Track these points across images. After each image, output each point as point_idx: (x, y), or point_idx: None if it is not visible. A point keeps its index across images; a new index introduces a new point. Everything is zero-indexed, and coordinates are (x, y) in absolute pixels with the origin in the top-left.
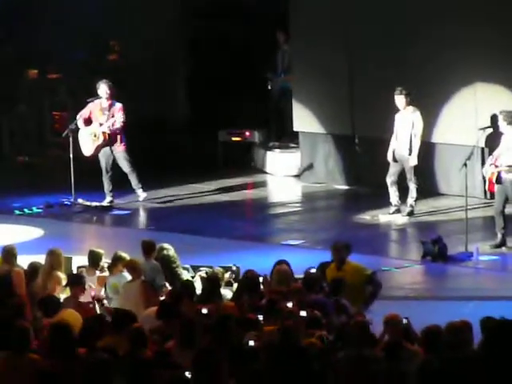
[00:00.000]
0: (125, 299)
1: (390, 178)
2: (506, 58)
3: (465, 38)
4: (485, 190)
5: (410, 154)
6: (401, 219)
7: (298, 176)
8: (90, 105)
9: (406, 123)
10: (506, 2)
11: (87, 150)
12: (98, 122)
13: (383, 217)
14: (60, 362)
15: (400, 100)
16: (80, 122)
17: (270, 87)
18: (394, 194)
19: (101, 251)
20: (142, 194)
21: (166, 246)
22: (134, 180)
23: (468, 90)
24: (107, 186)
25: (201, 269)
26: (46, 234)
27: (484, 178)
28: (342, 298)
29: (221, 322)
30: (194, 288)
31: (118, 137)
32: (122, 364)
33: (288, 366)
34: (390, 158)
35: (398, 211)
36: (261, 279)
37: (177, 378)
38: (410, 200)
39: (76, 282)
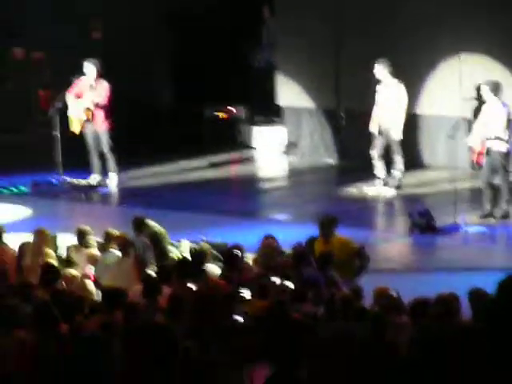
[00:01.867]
0: (116, 276)
1: (376, 151)
2: (490, 29)
3: (449, 9)
4: (472, 162)
5: (394, 127)
6: (388, 192)
7: (283, 151)
8: (78, 83)
9: (391, 96)
10: None
11: (75, 127)
12: (84, 100)
13: (370, 190)
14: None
15: (379, 70)
16: (70, 100)
17: (254, 63)
18: (380, 167)
19: (88, 228)
20: (113, 179)
21: (153, 223)
22: (111, 163)
23: (452, 61)
24: (95, 164)
25: (187, 244)
26: (33, 212)
27: (470, 149)
28: (331, 271)
29: (207, 298)
30: (188, 265)
31: (102, 115)
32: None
33: (283, 339)
34: (374, 130)
35: (384, 184)
36: (249, 255)
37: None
38: (397, 173)
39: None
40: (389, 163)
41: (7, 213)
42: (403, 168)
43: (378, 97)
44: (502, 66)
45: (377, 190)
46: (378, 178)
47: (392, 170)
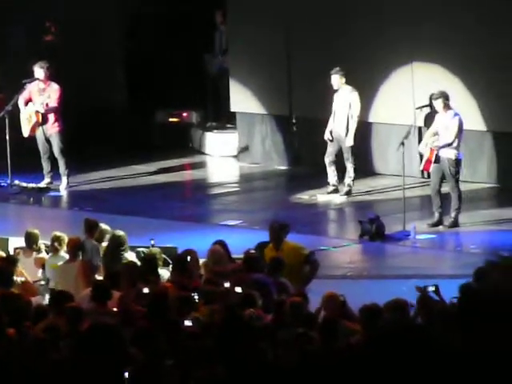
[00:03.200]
0: (64, 279)
1: (328, 158)
2: (442, 38)
3: (402, 17)
4: (421, 170)
5: (346, 134)
6: (339, 199)
7: (235, 156)
8: (28, 86)
9: (344, 103)
10: None
11: (24, 130)
12: (33, 103)
13: (321, 196)
14: None
15: (335, 79)
16: (21, 104)
17: (207, 68)
18: (332, 174)
19: (37, 232)
20: (64, 182)
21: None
22: (61, 166)
23: (405, 69)
24: (46, 167)
25: (137, 249)
26: None
27: (421, 156)
28: (281, 277)
29: (158, 302)
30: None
31: (52, 117)
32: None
33: (235, 344)
34: (327, 137)
35: (335, 191)
36: (201, 260)
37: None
38: (348, 180)
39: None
40: (341, 170)
41: None
42: (354, 175)
43: (333, 104)
44: (452, 76)
45: (328, 196)
46: (330, 185)
47: (344, 178)
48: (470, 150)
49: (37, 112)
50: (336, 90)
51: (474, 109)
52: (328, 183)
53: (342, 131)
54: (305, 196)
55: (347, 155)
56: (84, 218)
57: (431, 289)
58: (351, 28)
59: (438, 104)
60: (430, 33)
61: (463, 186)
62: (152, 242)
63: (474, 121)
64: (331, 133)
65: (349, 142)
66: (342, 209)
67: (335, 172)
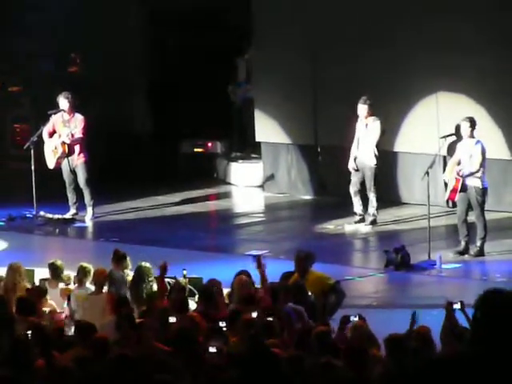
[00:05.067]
0: (90, 311)
1: (353, 188)
2: (467, 66)
3: (427, 46)
4: (447, 199)
5: (369, 162)
6: (364, 228)
7: (260, 186)
8: (52, 118)
9: (368, 132)
10: (463, 9)
11: (50, 162)
12: (59, 134)
13: (348, 226)
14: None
15: (363, 109)
16: (45, 135)
17: (232, 97)
18: (357, 203)
19: (61, 263)
20: (89, 213)
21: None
22: (86, 196)
23: (430, 98)
24: (71, 198)
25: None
26: (8, 246)
27: (445, 185)
28: (303, 304)
29: (186, 333)
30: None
31: (78, 148)
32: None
33: (260, 373)
34: (351, 167)
35: (362, 220)
36: (225, 290)
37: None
38: (372, 209)
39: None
40: (367, 200)
41: None
42: (376, 204)
43: (356, 133)
44: (477, 104)
45: (354, 226)
46: (356, 214)
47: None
48: (495, 178)
49: (63, 143)
50: (358, 118)
51: (498, 137)
52: (354, 213)
53: (366, 160)
54: (330, 226)
55: (369, 185)
56: (113, 248)
57: (457, 306)
58: (376, 56)
59: (465, 127)
60: (455, 62)
61: (488, 215)
62: (184, 272)
63: (498, 149)
64: (355, 161)
65: (371, 163)
66: (367, 238)
67: (361, 201)
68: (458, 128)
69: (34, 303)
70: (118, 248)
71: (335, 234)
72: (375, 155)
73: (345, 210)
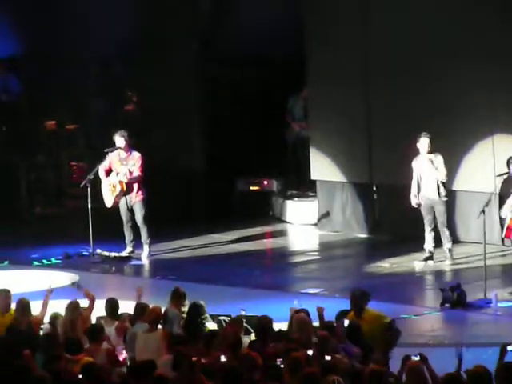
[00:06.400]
0: (145, 349)
1: (430, 225)
2: None
3: (481, 84)
4: (502, 238)
5: (439, 196)
6: (445, 265)
7: (315, 225)
8: (109, 156)
9: (431, 167)
10: None
11: (108, 201)
12: (116, 173)
13: (418, 263)
14: None
15: (425, 143)
16: (102, 174)
17: (287, 135)
18: (431, 240)
19: (117, 300)
20: (146, 251)
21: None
22: (143, 234)
23: (485, 136)
24: (128, 236)
25: (219, 318)
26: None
27: (501, 223)
28: (358, 344)
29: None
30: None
31: (136, 186)
32: None
33: None
34: (415, 202)
35: (430, 258)
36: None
37: None
38: (450, 244)
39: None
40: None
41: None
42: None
43: (417, 170)
44: None
45: (423, 263)
46: (426, 252)
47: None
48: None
49: (121, 182)
50: (416, 156)
51: None
52: (424, 249)
53: (435, 195)
54: (385, 264)
55: (443, 219)
56: (173, 286)
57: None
58: (431, 93)
59: None
60: (510, 99)
61: None
62: (242, 312)
63: None
64: (418, 197)
65: (443, 196)
66: (423, 277)
67: (433, 238)
68: (508, 163)
69: (76, 340)
70: (178, 286)
71: (390, 272)
72: (445, 189)
73: (399, 248)
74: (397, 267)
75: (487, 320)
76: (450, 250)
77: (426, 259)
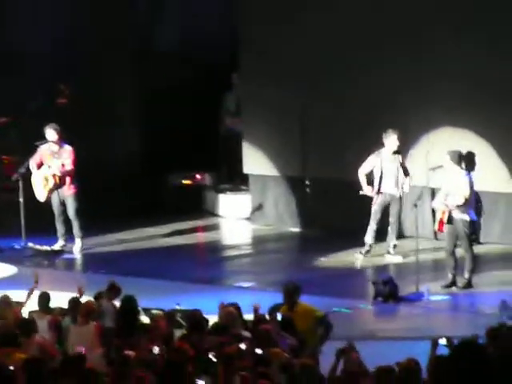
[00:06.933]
0: (77, 342)
1: (377, 220)
2: (457, 101)
3: (411, 82)
4: (434, 231)
5: (398, 193)
6: (395, 258)
7: (248, 218)
8: (40, 149)
9: (397, 165)
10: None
11: (40, 194)
12: (48, 166)
13: (357, 256)
14: None
15: (394, 139)
16: (32, 167)
17: (219, 130)
18: (373, 234)
19: (49, 294)
20: (78, 244)
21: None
22: (76, 228)
23: (419, 133)
24: (60, 229)
25: (152, 311)
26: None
27: (434, 216)
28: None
29: (175, 365)
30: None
31: (68, 179)
32: None
33: None
34: (369, 192)
35: (369, 251)
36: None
37: None
38: (396, 240)
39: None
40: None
41: None
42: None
43: (378, 165)
44: (470, 134)
45: (363, 256)
46: (366, 245)
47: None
48: (484, 211)
49: (54, 175)
50: (375, 151)
51: (488, 170)
52: (364, 242)
53: (394, 192)
54: (319, 258)
55: (398, 215)
56: (109, 280)
57: (442, 342)
58: (364, 88)
59: (448, 163)
60: (445, 97)
61: (476, 247)
62: (177, 306)
63: (487, 182)
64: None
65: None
66: (355, 270)
67: (375, 233)
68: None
69: (14, 335)
70: (114, 281)
71: (323, 266)
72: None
73: (332, 242)
74: (330, 261)
75: (419, 313)
76: (395, 246)
77: (366, 252)
